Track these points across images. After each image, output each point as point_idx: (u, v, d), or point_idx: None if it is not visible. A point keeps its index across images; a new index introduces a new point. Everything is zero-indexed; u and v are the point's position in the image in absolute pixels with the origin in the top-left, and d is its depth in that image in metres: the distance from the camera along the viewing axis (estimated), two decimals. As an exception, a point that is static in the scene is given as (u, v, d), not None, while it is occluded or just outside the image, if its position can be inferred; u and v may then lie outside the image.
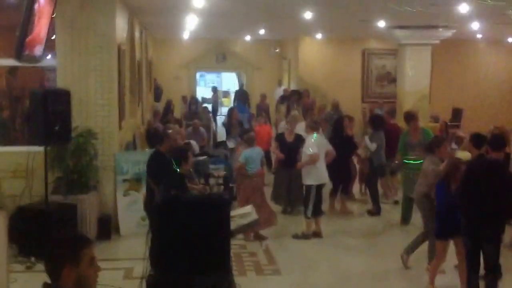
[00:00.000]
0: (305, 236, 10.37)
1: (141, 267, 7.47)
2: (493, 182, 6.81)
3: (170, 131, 11.02)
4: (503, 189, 6.80)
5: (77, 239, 3.27)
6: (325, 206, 11.48)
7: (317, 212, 10.46)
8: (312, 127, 10.67)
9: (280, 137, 12.14)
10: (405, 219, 11.25)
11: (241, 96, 23.99)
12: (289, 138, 11.84)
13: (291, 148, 11.56)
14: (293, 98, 19.32)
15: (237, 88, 27.12)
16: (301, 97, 19.48)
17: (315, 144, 10.34)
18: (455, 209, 7.35)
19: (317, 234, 10.44)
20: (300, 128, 11.96)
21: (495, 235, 6.92)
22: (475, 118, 20.83)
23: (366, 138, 12.22)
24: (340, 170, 11.85)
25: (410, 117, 11.62)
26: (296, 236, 10.39)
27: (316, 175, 10.33)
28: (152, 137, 13.46)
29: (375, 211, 12.08)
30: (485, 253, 7.00)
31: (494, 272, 7.00)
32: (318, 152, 10.26)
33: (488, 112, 22.00)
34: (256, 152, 10.53)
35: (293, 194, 11.79)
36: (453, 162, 7.91)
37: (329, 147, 10.83)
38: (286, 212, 12.03)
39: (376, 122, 12.46)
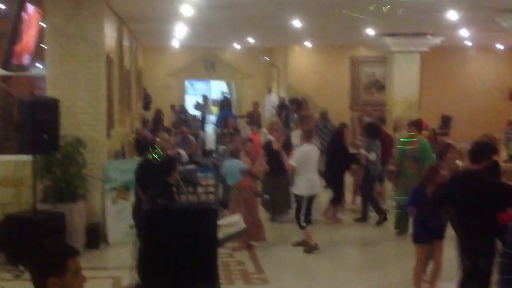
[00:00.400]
0: (307, 246, 10.15)
1: (130, 276, 7.49)
2: (479, 195, 6.62)
3: (158, 139, 10.98)
4: (491, 201, 6.64)
5: (63, 249, 3.26)
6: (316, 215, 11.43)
7: (308, 221, 10.29)
8: (305, 137, 10.58)
9: (267, 146, 12.16)
10: (402, 229, 11.02)
11: (226, 104, 24.05)
12: (276, 146, 11.87)
13: (277, 156, 11.57)
14: (292, 107, 19.29)
15: (220, 97, 27.25)
16: (300, 106, 19.46)
17: (303, 155, 10.20)
18: (432, 213, 7.38)
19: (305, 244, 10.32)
20: (296, 137, 11.99)
21: (488, 248, 6.67)
22: (464, 125, 20.93)
23: (362, 151, 12.07)
24: (339, 180, 11.87)
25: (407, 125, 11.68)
26: (297, 244, 10.30)
27: (306, 185, 10.14)
28: (141, 145, 13.48)
29: (382, 219, 11.92)
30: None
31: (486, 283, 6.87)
32: (303, 163, 10.12)
33: (477, 119, 22.11)
34: (234, 164, 10.46)
35: (280, 202, 11.82)
36: (432, 166, 7.95)
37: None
38: (274, 220, 12.05)
39: (372, 131, 12.28)
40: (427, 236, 7.64)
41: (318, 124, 14.74)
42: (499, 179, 7.24)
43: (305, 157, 10.16)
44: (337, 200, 12.17)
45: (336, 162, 11.72)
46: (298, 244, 10.33)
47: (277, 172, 11.35)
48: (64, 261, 3.15)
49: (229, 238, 6.25)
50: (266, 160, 11.43)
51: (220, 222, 5.91)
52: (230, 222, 6.21)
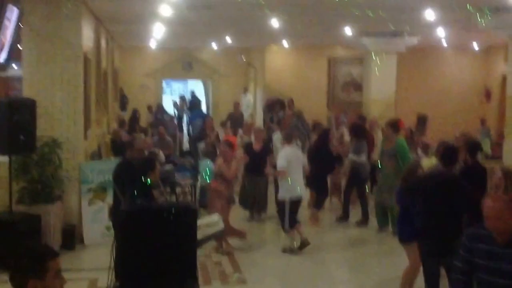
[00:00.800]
0: (291, 250, 10.14)
1: (106, 278, 7.44)
2: (448, 197, 6.71)
3: (136, 140, 10.95)
4: (458, 203, 6.74)
5: (43, 251, 3.24)
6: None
7: (293, 223, 10.24)
8: (286, 139, 10.57)
9: (247, 147, 12.19)
10: (382, 226, 11.26)
11: (196, 104, 24.07)
12: (257, 148, 11.91)
13: (258, 157, 11.58)
14: (276, 107, 19.26)
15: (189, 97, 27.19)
16: (284, 107, 19.46)
17: (286, 157, 10.18)
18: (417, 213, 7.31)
19: (304, 243, 10.19)
20: (277, 138, 12.00)
21: (453, 248, 6.72)
22: (440, 125, 21.10)
23: (351, 155, 12.01)
24: (324, 184, 11.95)
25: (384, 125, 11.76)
26: (285, 250, 10.21)
27: (289, 189, 10.11)
28: (119, 146, 13.42)
29: (363, 221, 11.99)
30: (447, 268, 6.69)
31: None
32: (287, 166, 10.06)
33: (453, 119, 22.30)
34: (204, 165, 10.47)
35: (259, 202, 11.86)
36: (410, 167, 7.99)
37: (304, 160, 10.69)
38: (252, 219, 12.08)
39: (359, 132, 12.26)
40: (413, 235, 7.41)
41: (297, 124, 14.79)
42: (467, 184, 7.22)
43: (287, 159, 10.14)
44: (321, 203, 12.14)
45: (321, 165, 11.70)
46: (285, 250, 10.25)
47: (257, 172, 11.37)
48: (44, 263, 3.13)
49: (208, 238, 6.26)
50: (246, 160, 11.49)
51: (199, 222, 5.92)
52: (209, 222, 6.21)
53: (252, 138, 12.73)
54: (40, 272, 3.10)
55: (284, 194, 10.16)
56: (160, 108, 23.02)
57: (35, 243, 3.38)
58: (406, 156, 10.62)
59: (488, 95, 23.34)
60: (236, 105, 20.93)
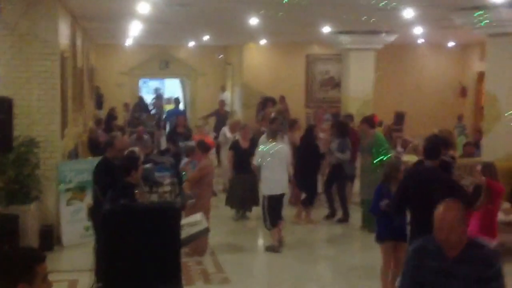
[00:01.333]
0: (273, 248, 10.11)
1: (86, 279, 7.36)
2: (433, 190, 6.64)
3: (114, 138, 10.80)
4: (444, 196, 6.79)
5: (32, 255, 3.16)
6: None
7: (274, 221, 10.17)
8: (269, 136, 10.56)
9: (235, 144, 12.12)
10: (368, 227, 10.93)
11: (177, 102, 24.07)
12: (244, 145, 11.88)
13: (245, 155, 11.51)
14: (268, 104, 19.10)
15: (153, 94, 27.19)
16: (275, 104, 19.34)
17: (265, 154, 10.13)
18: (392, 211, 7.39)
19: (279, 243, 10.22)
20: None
21: None
22: (417, 121, 21.25)
23: (336, 152, 11.96)
24: (313, 181, 11.91)
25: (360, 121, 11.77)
26: (267, 249, 10.19)
27: (269, 185, 10.10)
28: (96, 145, 13.29)
29: (344, 218, 12.04)
30: None
31: None
32: (267, 162, 10.03)
33: (429, 115, 22.44)
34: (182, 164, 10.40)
35: (247, 200, 11.81)
36: (391, 163, 7.99)
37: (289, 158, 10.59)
38: (237, 219, 12.04)
39: (341, 129, 12.21)
40: (390, 235, 7.57)
41: (282, 121, 14.74)
42: (452, 176, 7.30)
43: (267, 156, 10.09)
44: (310, 201, 12.05)
45: (308, 162, 11.67)
46: (268, 249, 10.22)
47: (245, 169, 11.29)
48: (33, 268, 3.06)
49: (191, 238, 6.18)
50: (233, 158, 11.45)
51: (182, 221, 5.84)
52: (192, 221, 6.14)
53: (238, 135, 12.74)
54: (29, 276, 3.03)
55: (263, 190, 10.18)
56: (139, 104, 22.91)
57: (23, 247, 3.29)
58: (382, 148, 10.70)
59: (463, 91, 23.56)
60: (221, 103, 20.81)
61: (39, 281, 3.06)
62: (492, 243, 7.45)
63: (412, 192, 6.83)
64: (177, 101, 22.42)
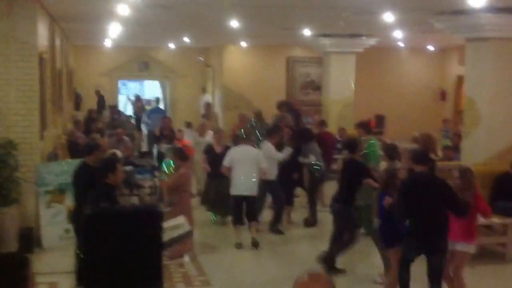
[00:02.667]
0: (238, 246, 10.44)
1: (66, 281, 7.29)
2: (431, 195, 7.06)
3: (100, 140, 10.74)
4: (442, 200, 7.07)
5: (21, 260, 3.11)
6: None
7: (236, 221, 10.52)
8: (242, 138, 10.92)
9: (208, 149, 12.11)
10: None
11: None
12: (218, 149, 11.84)
13: (219, 159, 11.48)
14: (282, 109, 18.89)
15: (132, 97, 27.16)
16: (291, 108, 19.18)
17: (231, 156, 10.53)
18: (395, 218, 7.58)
19: (254, 244, 10.42)
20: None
21: (440, 246, 7.10)
22: (397, 124, 21.35)
23: (301, 158, 11.98)
24: (289, 182, 11.97)
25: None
26: (235, 246, 10.45)
27: (234, 185, 10.48)
28: (74, 148, 13.18)
29: (313, 222, 12.06)
30: (430, 265, 7.17)
31: (438, 284, 7.15)
32: (233, 165, 10.41)
33: (410, 118, 22.57)
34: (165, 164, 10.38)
35: (222, 205, 11.76)
36: (389, 171, 8.05)
37: (261, 163, 10.61)
38: (216, 222, 12.02)
39: (305, 136, 12.19)
40: (398, 239, 7.57)
41: (256, 124, 14.75)
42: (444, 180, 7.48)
43: (235, 158, 10.46)
44: (288, 202, 12.05)
45: (286, 164, 11.69)
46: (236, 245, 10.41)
47: (219, 174, 11.25)
48: (24, 272, 3.02)
49: (173, 240, 6.15)
50: (208, 162, 11.48)
51: (165, 224, 5.81)
52: (175, 224, 6.10)
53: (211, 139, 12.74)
54: (22, 282, 2.99)
55: (230, 189, 10.57)
56: (116, 109, 22.84)
57: (10, 254, 3.24)
58: (375, 156, 10.72)
59: (443, 95, 23.75)
60: (207, 106, 20.76)
61: (30, 284, 3.03)
62: (471, 246, 7.57)
63: (412, 198, 7.12)
64: (157, 100, 22.57)
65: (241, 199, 10.48)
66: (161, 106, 24.11)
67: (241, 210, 10.55)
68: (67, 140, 14.95)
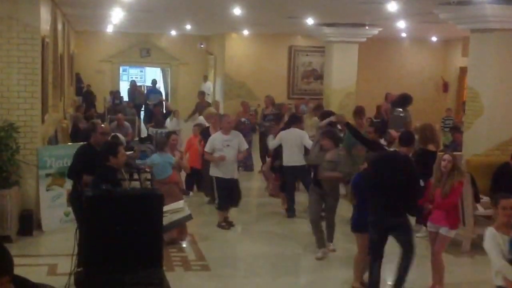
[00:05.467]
0: (219, 225, 10.60)
1: (66, 263, 7.28)
2: (397, 175, 7.11)
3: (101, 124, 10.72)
4: (407, 182, 7.14)
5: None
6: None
7: (222, 206, 10.62)
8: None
9: (204, 132, 12.14)
10: None
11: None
12: (213, 133, 11.87)
13: None
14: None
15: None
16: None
17: (213, 143, 10.55)
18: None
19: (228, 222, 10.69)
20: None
21: (403, 223, 7.21)
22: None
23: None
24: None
25: (357, 113, 11.80)
26: (218, 225, 10.64)
27: (217, 168, 10.52)
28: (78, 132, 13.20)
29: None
30: (399, 241, 7.30)
31: (411, 252, 7.23)
32: (215, 150, 10.47)
33: (412, 109, 22.53)
34: (164, 158, 10.27)
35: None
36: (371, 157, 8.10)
37: (242, 145, 10.78)
38: (212, 203, 11.95)
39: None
40: (366, 226, 7.56)
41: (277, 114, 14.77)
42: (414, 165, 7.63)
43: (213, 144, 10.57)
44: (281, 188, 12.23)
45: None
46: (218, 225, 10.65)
47: None
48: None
49: (173, 224, 6.16)
50: (203, 145, 11.45)
51: (165, 208, 5.82)
52: (175, 208, 6.11)
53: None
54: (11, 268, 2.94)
55: (212, 172, 10.64)
56: (118, 94, 22.84)
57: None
58: None
59: (445, 86, 23.73)
60: (202, 94, 20.70)
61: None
62: (453, 231, 7.73)
63: (381, 175, 7.22)
64: (154, 81, 22.86)
65: (224, 181, 10.56)
66: (158, 87, 24.36)
67: (227, 195, 10.63)
68: (72, 125, 14.98)
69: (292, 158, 11.27)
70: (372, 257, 7.36)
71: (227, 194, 10.60)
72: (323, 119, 11.45)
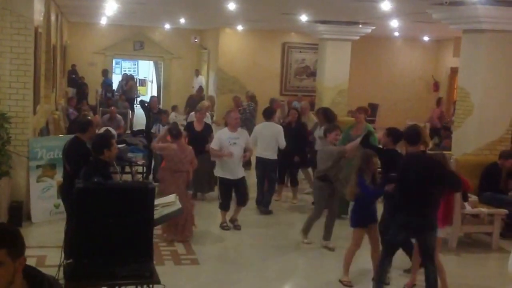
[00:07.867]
0: (222, 226, 10.42)
1: (55, 255, 7.29)
2: (426, 176, 7.07)
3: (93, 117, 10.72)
4: (437, 181, 7.12)
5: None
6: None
7: (224, 206, 10.41)
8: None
9: (188, 126, 12.16)
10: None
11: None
12: (198, 127, 11.98)
13: (199, 137, 11.62)
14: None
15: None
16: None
17: (220, 139, 10.25)
18: (371, 200, 7.90)
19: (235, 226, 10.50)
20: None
21: (429, 225, 7.16)
22: (390, 113, 21.44)
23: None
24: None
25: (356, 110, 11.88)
26: (220, 226, 10.46)
27: (222, 168, 10.27)
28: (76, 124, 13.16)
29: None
30: (421, 244, 7.28)
31: (432, 262, 7.22)
32: (221, 147, 10.17)
33: (402, 108, 22.69)
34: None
35: (202, 182, 11.89)
36: (364, 155, 8.12)
37: (248, 145, 10.58)
38: (195, 198, 11.94)
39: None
40: (366, 221, 7.92)
41: (250, 108, 14.84)
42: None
43: (220, 141, 10.27)
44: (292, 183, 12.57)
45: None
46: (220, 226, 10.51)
47: (199, 151, 11.01)
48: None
49: (164, 218, 6.18)
50: (188, 140, 11.31)
51: (156, 202, 5.83)
52: (166, 202, 6.12)
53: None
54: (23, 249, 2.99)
55: (217, 173, 10.46)
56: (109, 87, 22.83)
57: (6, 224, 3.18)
58: (375, 141, 10.79)
59: (436, 85, 23.83)
60: (199, 89, 20.70)
61: None
62: (443, 231, 7.79)
63: (407, 176, 7.15)
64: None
65: (229, 183, 10.39)
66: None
67: (230, 196, 10.52)
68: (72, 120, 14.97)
69: (265, 151, 11.29)
70: (386, 253, 7.43)
71: (230, 194, 10.41)
72: (328, 122, 11.36)
